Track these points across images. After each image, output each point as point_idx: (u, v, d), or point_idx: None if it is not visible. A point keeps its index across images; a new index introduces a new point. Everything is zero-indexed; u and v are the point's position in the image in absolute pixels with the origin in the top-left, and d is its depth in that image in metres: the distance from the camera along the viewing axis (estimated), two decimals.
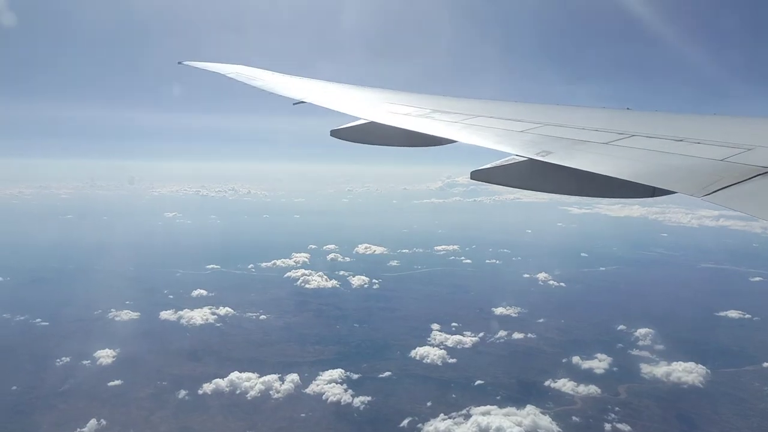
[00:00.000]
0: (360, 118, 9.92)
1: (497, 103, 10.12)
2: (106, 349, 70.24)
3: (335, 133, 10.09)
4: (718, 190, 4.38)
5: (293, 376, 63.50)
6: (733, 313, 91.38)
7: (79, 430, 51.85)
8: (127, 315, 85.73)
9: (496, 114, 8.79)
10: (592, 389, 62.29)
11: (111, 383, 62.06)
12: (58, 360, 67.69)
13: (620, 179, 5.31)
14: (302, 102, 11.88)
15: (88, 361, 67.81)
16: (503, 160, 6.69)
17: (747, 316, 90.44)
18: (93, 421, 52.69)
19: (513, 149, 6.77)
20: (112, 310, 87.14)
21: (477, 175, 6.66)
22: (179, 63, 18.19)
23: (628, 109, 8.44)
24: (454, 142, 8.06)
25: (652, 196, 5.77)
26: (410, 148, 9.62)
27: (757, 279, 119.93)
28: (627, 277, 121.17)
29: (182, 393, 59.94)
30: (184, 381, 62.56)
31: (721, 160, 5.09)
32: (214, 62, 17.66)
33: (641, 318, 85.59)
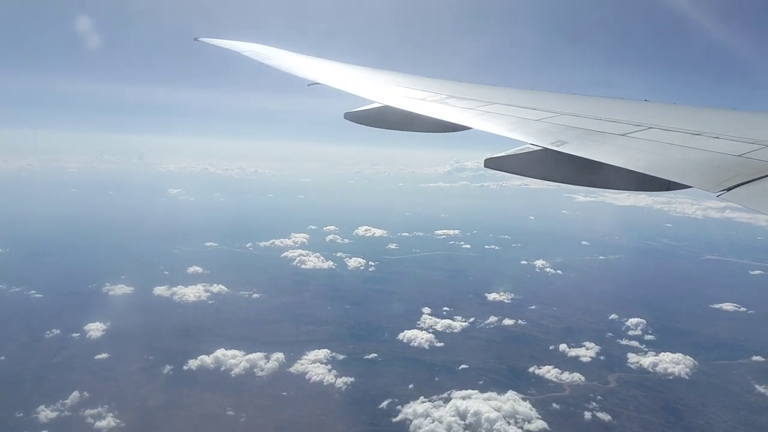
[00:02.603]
0: (374, 102, 9.93)
1: (513, 90, 10.16)
2: (97, 323, 70.72)
3: (349, 116, 10.14)
4: (735, 186, 4.32)
5: (278, 355, 63.77)
6: (728, 306, 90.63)
7: (61, 401, 52.38)
8: (121, 289, 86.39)
9: (511, 102, 8.78)
10: (576, 377, 62.02)
11: (98, 356, 62.59)
12: (48, 332, 68.30)
13: (635, 172, 5.27)
14: (317, 83, 11.85)
15: (78, 334, 68.40)
16: (517, 148, 6.68)
17: (742, 309, 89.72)
18: (75, 393, 53.16)
19: (527, 138, 6.77)
20: (106, 284, 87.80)
21: (490, 163, 6.66)
22: (195, 39, 18.20)
23: (646, 100, 8.41)
24: (469, 128, 8.05)
25: (667, 189, 5.74)
26: (423, 133, 9.60)
27: (758, 272, 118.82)
28: (626, 267, 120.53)
29: (167, 368, 60.34)
30: (170, 357, 62.85)
31: (739, 156, 5.01)
32: (230, 39, 17.75)
33: (635, 308, 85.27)
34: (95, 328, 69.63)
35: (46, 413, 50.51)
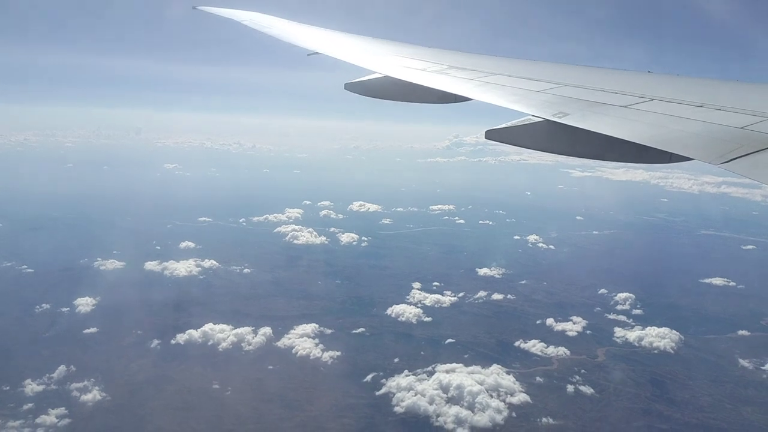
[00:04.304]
0: (375, 72, 9.88)
1: (515, 61, 10.12)
2: (87, 298, 70.97)
3: (349, 87, 10.09)
4: (736, 158, 4.30)
5: (266, 330, 64.10)
6: (717, 281, 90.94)
7: (48, 375, 52.81)
8: (112, 264, 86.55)
9: (513, 72, 8.76)
10: (562, 351, 62.42)
11: (87, 331, 62.97)
12: (38, 307, 68.53)
13: (637, 144, 5.25)
14: (317, 53, 11.73)
15: (67, 309, 68.69)
16: (519, 120, 6.65)
17: (732, 283, 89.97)
18: (62, 367, 53.53)
19: (529, 109, 6.76)
20: (98, 259, 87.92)
21: (491, 135, 6.62)
22: (194, 8, 18.29)
23: (649, 72, 8.38)
24: (470, 99, 8.02)
25: (669, 162, 5.76)
26: (424, 104, 9.60)
27: (750, 247, 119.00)
28: (620, 242, 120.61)
29: (155, 342, 60.68)
30: (159, 331, 63.09)
31: (741, 128, 5.00)
32: (229, 8, 17.72)
33: (625, 282, 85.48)
34: (85, 303, 69.86)
35: (32, 387, 50.87)
